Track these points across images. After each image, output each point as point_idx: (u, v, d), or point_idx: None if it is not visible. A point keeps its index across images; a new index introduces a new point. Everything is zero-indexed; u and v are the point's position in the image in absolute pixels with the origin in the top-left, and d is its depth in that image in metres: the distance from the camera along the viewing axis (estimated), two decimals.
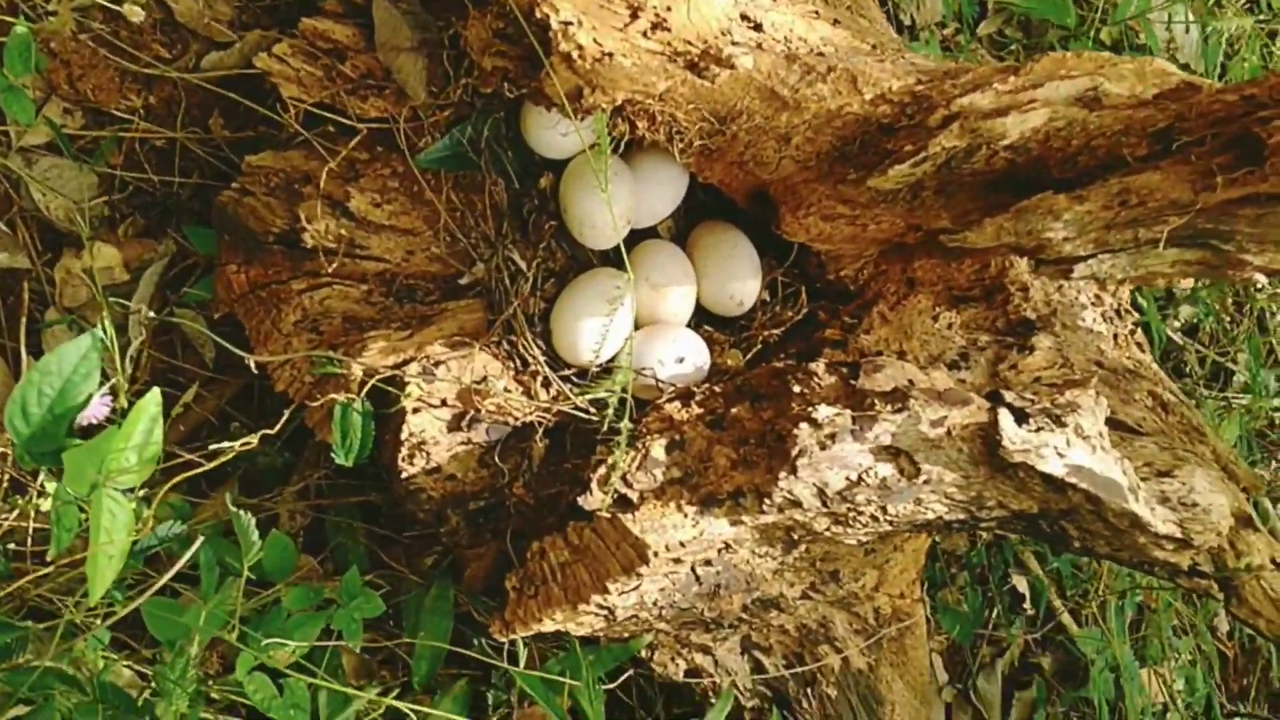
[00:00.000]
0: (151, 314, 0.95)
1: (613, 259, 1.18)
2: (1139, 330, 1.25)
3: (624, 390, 0.91)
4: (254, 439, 0.87)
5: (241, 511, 0.94)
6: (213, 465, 0.91)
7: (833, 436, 0.96)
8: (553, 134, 1.09)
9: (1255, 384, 1.82)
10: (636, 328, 1.14)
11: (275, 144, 1.12)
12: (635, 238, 1.18)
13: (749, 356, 1.16)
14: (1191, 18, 1.91)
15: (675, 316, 1.16)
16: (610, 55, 0.84)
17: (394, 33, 1.03)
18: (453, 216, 1.09)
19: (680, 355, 1.12)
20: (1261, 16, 2.02)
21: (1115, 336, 1.22)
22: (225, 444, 0.86)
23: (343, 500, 1.23)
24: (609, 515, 0.94)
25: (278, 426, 0.91)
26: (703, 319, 1.21)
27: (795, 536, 1.02)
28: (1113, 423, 1.06)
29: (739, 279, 1.17)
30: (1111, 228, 0.85)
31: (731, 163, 1.00)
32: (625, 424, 0.89)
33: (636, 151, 1.13)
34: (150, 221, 1.20)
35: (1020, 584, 1.62)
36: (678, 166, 1.15)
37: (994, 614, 1.60)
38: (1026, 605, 1.62)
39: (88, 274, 1.09)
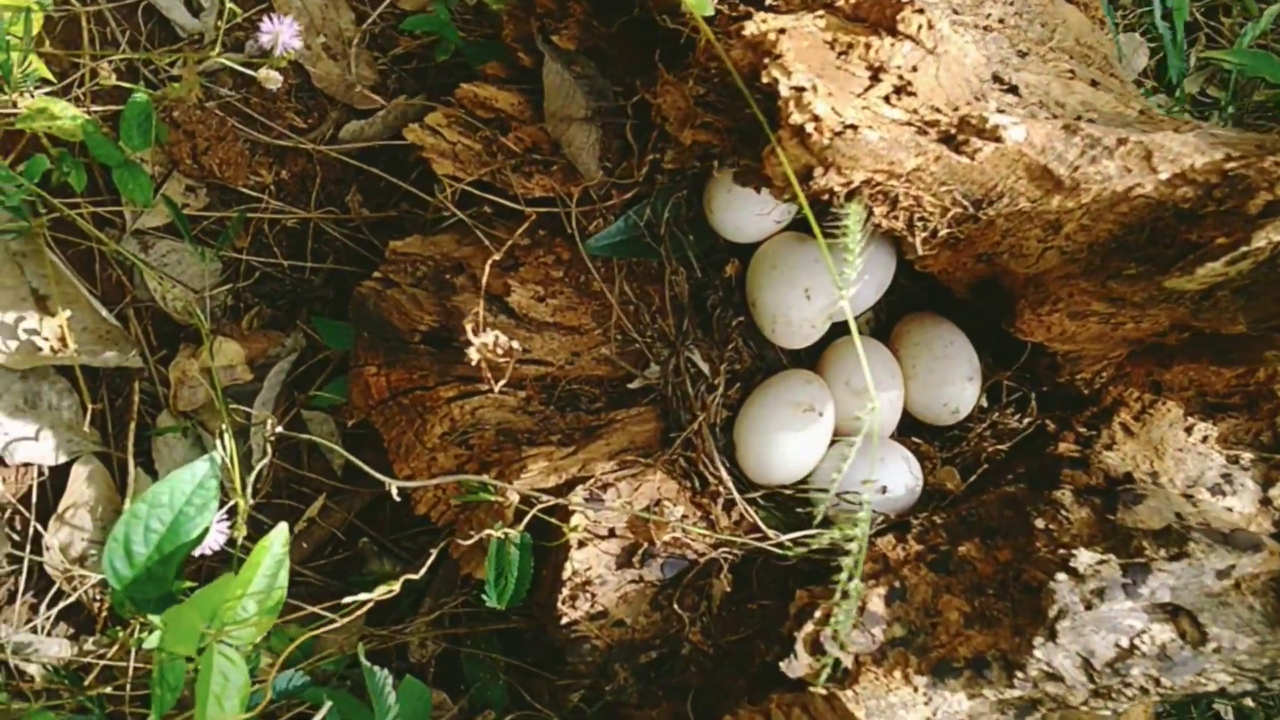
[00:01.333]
0: (280, 429, 0.80)
1: (806, 360, 1.01)
2: None
3: (851, 532, 0.73)
4: (396, 585, 0.72)
5: (376, 669, 0.79)
6: (345, 620, 0.76)
7: (1100, 593, 0.79)
8: (742, 215, 0.93)
9: None
10: (835, 441, 0.97)
11: (421, 226, 0.98)
12: (832, 334, 1.01)
13: (970, 478, 0.97)
14: None
15: (881, 427, 0.98)
16: (854, 128, 0.67)
17: (567, 101, 0.88)
18: (625, 311, 0.93)
19: (889, 475, 0.94)
20: None
21: None
22: (360, 596, 0.71)
23: (481, 628, 1.08)
24: (825, 692, 0.75)
25: (422, 571, 0.75)
26: (910, 428, 1.03)
27: (1042, 710, 0.83)
28: None
29: (954, 383, 0.99)
30: None
31: (979, 254, 0.82)
32: (855, 582, 0.71)
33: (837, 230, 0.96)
34: (278, 312, 1.06)
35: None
36: (885, 249, 0.98)
37: None
38: None
39: (206, 374, 0.95)
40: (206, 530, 0.74)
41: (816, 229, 0.66)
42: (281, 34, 0.77)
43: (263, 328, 1.05)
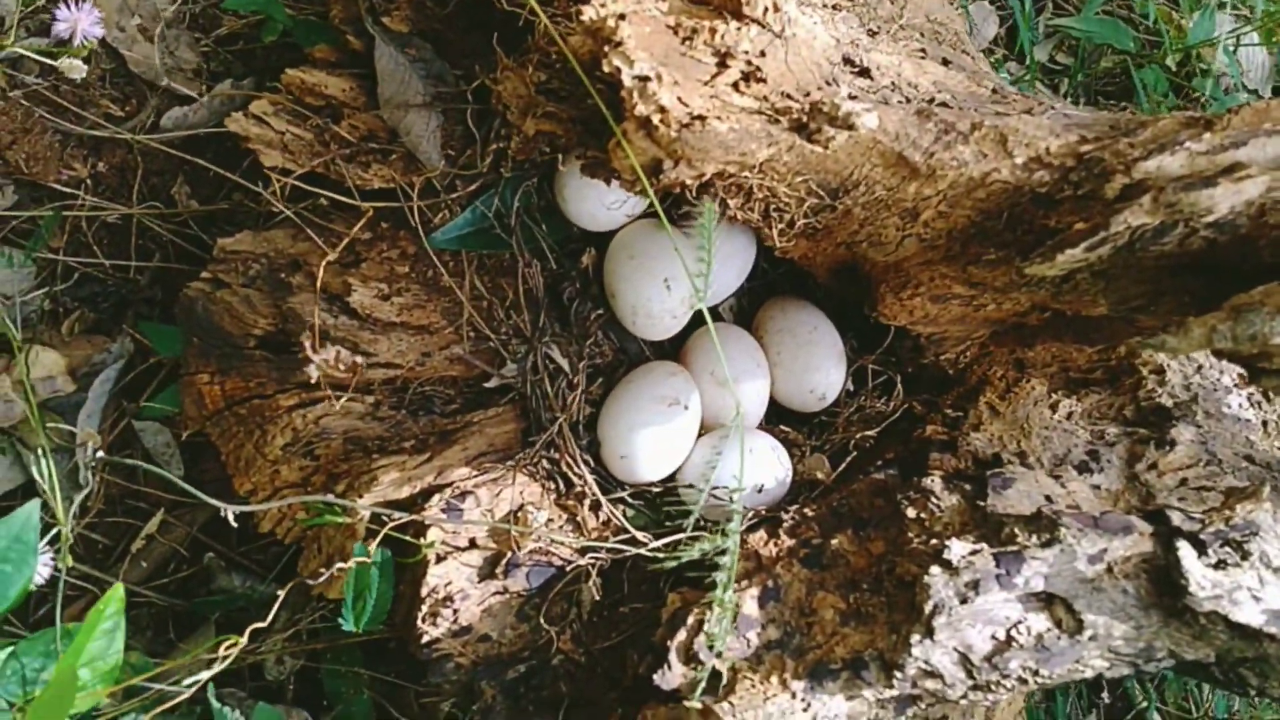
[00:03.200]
0: (101, 453, 0.73)
1: (669, 350, 0.98)
2: None
3: (722, 532, 0.71)
4: (243, 640, 0.66)
5: (226, 709, 0.73)
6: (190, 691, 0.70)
7: (975, 585, 0.78)
8: (596, 203, 0.89)
9: None
10: (701, 432, 0.94)
11: (254, 220, 0.91)
12: (695, 321, 0.97)
13: (838, 466, 0.95)
14: (1256, 40, 1.75)
15: (747, 417, 0.96)
16: (701, 119, 0.63)
17: (402, 86, 0.82)
18: (477, 307, 0.88)
19: (757, 468, 0.92)
20: None
21: (1265, 424, 1.02)
22: (207, 655, 0.66)
23: (341, 641, 1.02)
24: (700, 707, 0.73)
25: (270, 616, 0.70)
26: (777, 416, 1.01)
27: (921, 704, 0.82)
28: None
29: (820, 369, 0.97)
30: None
31: (838, 244, 0.79)
32: (727, 594, 0.68)
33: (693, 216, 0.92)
34: (102, 316, 0.98)
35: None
36: (745, 235, 0.96)
37: None
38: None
39: (21, 387, 0.87)
40: (27, 587, 0.68)
41: (668, 226, 0.62)
42: (80, 22, 0.70)
43: (85, 333, 0.97)
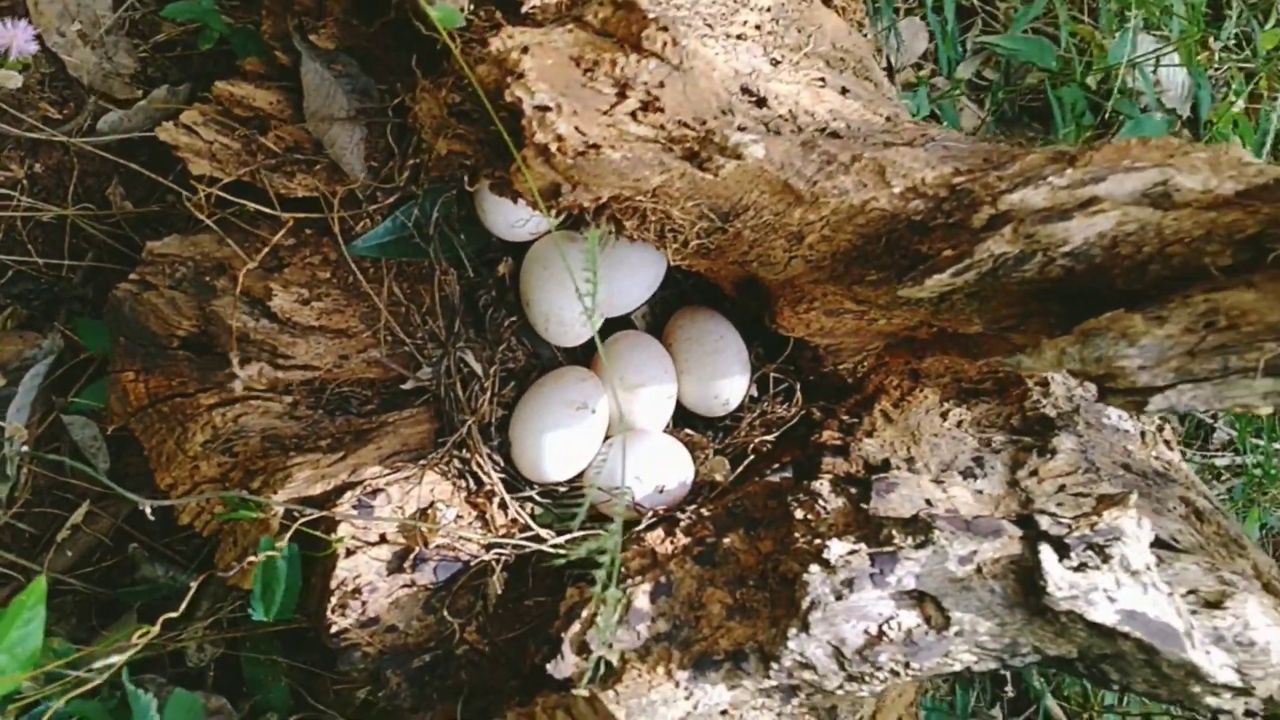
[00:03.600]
0: (25, 448, 0.77)
1: (581, 356, 1.03)
2: (1166, 426, 1.12)
3: (610, 534, 0.75)
4: (154, 629, 0.70)
5: (140, 692, 0.77)
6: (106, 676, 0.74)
7: (850, 583, 0.83)
8: (513, 214, 0.93)
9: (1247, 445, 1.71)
10: (608, 435, 0.98)
11: (185, 223, 0.95)
12: (606, 328, 1.02)
13: (738, 468, 1.00)
14: (1177, 61, 1.81)
15: (653, 421, 1.01)
16: (596, 147, 0.68)
17: (327, 100, 0.86)
18: (395, 313, 0.92)
19: (660, 470, 0.97)
20: (1244, 58, 1.92)
21: (1143, 434, 1.09)
22: (124, 638, 0.70)
23: (260, 629, 1.06)
24: (587, 695, 0.77)
25: (183, 605, 0.74)
26: (684, 420, 1.05)
27: (801, 694, 0.87)
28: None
29: (725, 376, 1.02)
30: (1196, 355, 0.70)
31: (732, 262, 0.84)
32: (613, 590, 0.73)
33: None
34: (34, 313, 1.01)
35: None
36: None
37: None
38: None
39: None
40: None
41: (562, 252, 0.67)
42: (15, 39, 0.73)
43: (17, 329, 1.00)
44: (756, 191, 0.76)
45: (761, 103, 0.80)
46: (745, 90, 0.80)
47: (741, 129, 0.74)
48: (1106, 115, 1.70)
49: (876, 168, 0.75)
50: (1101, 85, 1.79)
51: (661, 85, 0.73)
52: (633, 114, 0.72)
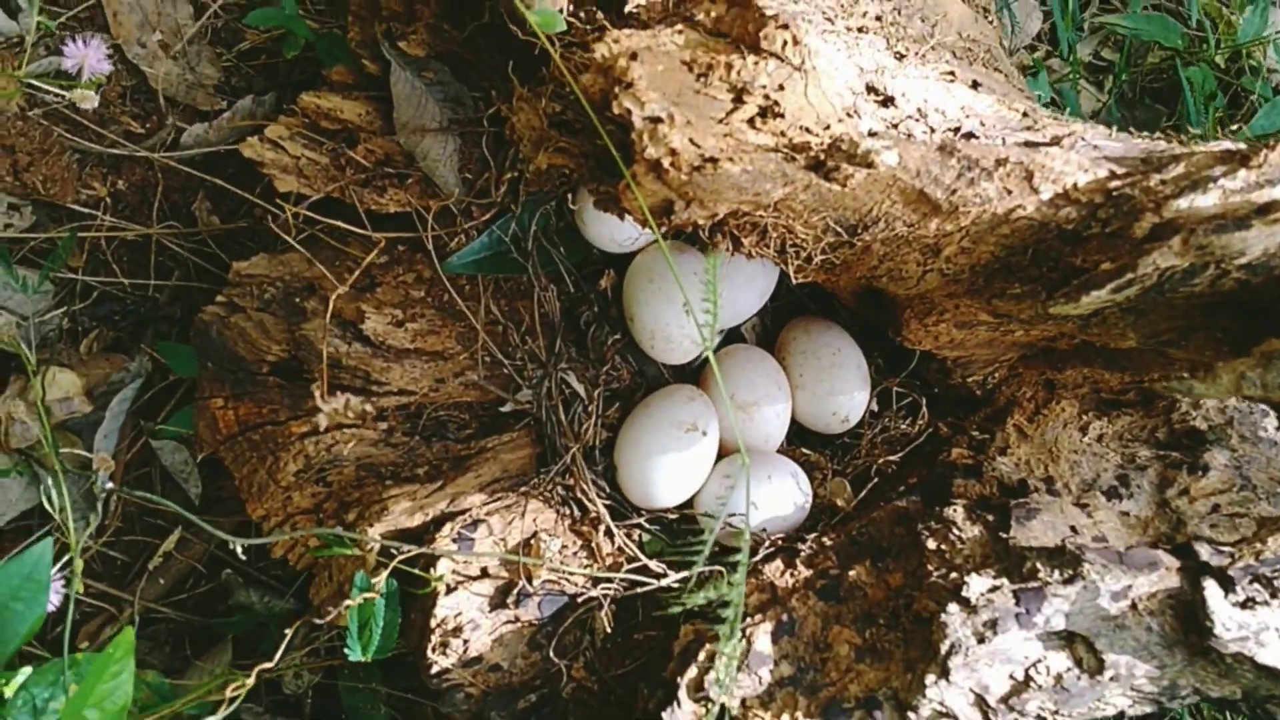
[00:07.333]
0: (110, 484, 0.73)
1: (689, 374, 0.97)
2: None
3: (735, 586, 0.69)
4: (250, 680, 0.66)
5: None
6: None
7: (993, 624, 0.76)
8: (615, 225, 0.87)
9: None
10: (720, 456, 0.92)
11: (273, 239, 0.90)
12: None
13: (860, 491, 0.93)
14: None
15: (768, 441, 0.94)
16: (713, 161, 0.61)
17: (418, 110, 0.81)
18: (492, 332, 0.87)
19: (777, 492, 0.90)
20: None
21: None
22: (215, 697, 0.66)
23: None
24: None
25: (277, 654, 0.69)
26: (799, 437, 0.99)
27: None
28: None
29: (844, 391, 0.95)
30: None
31: (858, 277, 0.77)
32: (731, 644, 0.66)
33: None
34: (120, 334, 0.98)
35: None
36: None
37: None
38: None
39: (37, 408, 0.87)
40: (38, 625, 0.68)
41: (674, 270, 0.61)
42: (88, 58, 0.69)
43: (103, 352, 0.96)
44: (888, 202, 0.69)
45: (888, 102, 0.73)
46: (870, 89, 0.73)
47: (871, 134, 0.67)
48: (1239, 96, 1.59)
49: (1024, 173, 0.68)
50: (1231, 64, 1.68)
51: (781, 88, 0.66)
52: (750, 121, 0.65)
